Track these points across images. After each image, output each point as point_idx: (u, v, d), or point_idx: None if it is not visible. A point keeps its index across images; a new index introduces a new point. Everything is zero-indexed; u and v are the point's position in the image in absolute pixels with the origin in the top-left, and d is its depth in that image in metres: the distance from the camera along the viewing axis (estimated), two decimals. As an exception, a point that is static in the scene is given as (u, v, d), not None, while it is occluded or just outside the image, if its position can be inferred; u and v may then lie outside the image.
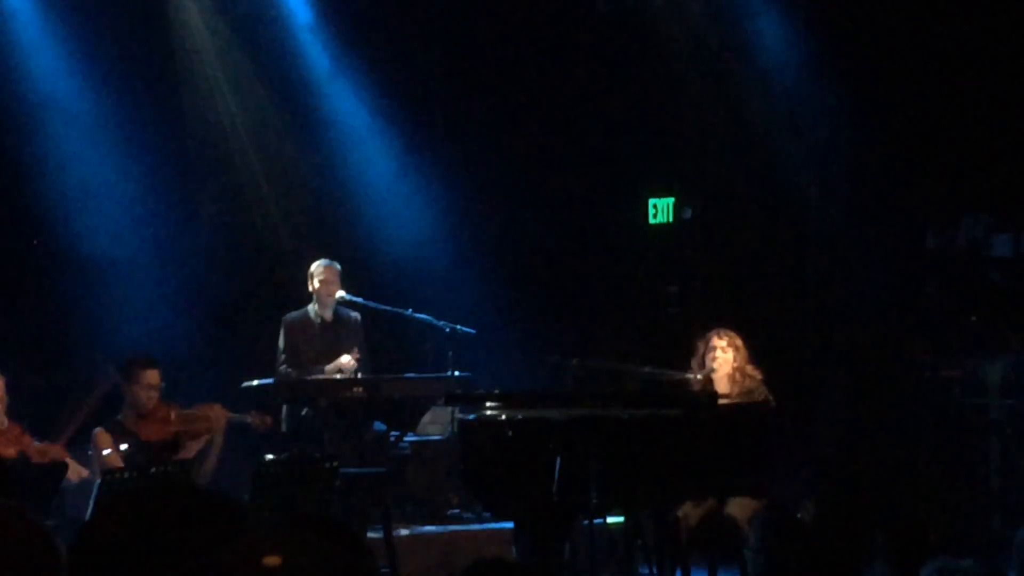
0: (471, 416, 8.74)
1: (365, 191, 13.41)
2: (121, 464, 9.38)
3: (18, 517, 2.92)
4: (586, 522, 9.14)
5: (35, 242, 12.35)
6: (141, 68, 12.68)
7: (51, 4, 12.33)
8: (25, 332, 12.12)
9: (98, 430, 9.66)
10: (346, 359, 11.26)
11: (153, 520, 2.66)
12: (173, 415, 9.70)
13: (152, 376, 9.77)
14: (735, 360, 10.04)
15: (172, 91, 12.92)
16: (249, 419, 9.98)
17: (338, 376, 11.14)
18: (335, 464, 9.03)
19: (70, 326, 12.26)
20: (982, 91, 12.05)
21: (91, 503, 8.06)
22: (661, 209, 13.48)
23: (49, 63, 12.32)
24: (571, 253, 13.93)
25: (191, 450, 9.65)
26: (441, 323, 11.62)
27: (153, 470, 8.64)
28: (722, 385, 10.00)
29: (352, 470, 9.95)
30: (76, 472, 9.28)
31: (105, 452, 9.51)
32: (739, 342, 10.10)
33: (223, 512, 2.70)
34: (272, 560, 2.38)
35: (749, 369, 10.04)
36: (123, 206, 12.49)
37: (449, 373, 11.24)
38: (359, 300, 11.58)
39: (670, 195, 13.49)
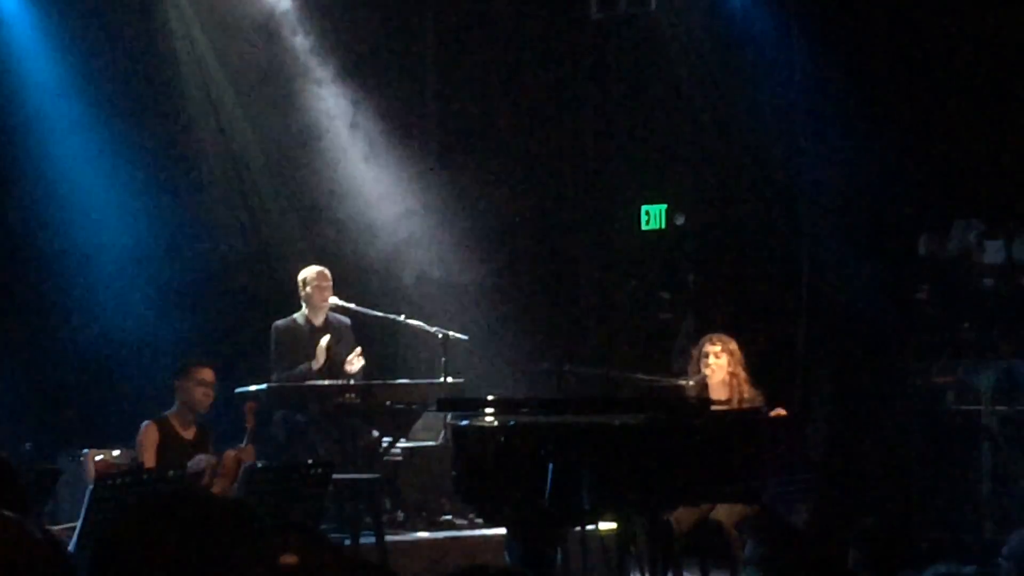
0: (464, 422, 8.74)
1: (358, 197, 13.40)
2: (154, 460, 9.45)
3: (23, 530, 2.93)
4: (578, 528, 9.14)
5: (41, 233, 12.36)
6: (140, 72, 12.68)
7: (47, 9, 12.33)
8: (21, 335, 12.12)
9: (147, 423, 9.74)
10: (324, 341, 11.22)
11: (176, 529, 2.67)
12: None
13: (206, 373, 9.86)
14: (729, 365, 10.05)
15: (170, 94, 12.92)
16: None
17: (330, 383, 11.11)
18: (327, 470, 9.03)
19: (64, 328, 12.25)
20: (974, 97, 12.07)
21: (83, 509, 8.05)
22: (653, 215, 13.48)
23: (46, 68, 12.32)
24: (563, 259, 13.94)
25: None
26: (434, 329, 11.62)
27: (146, 476, 8.64)
28: (716, 391, 10.01)
29: (344, 476, 9.95)
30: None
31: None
32: (733, 347, 10.12)
33: (239, 518, 2.72)
34: (289, 559, 2.39)
35: (743, 375, 10.05)
36: (119, 210, 12.49)
37: (441, 379, 11.24)
38: (352, 306, 11.58)
39: (662, 201, 13.49)
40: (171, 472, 8.84)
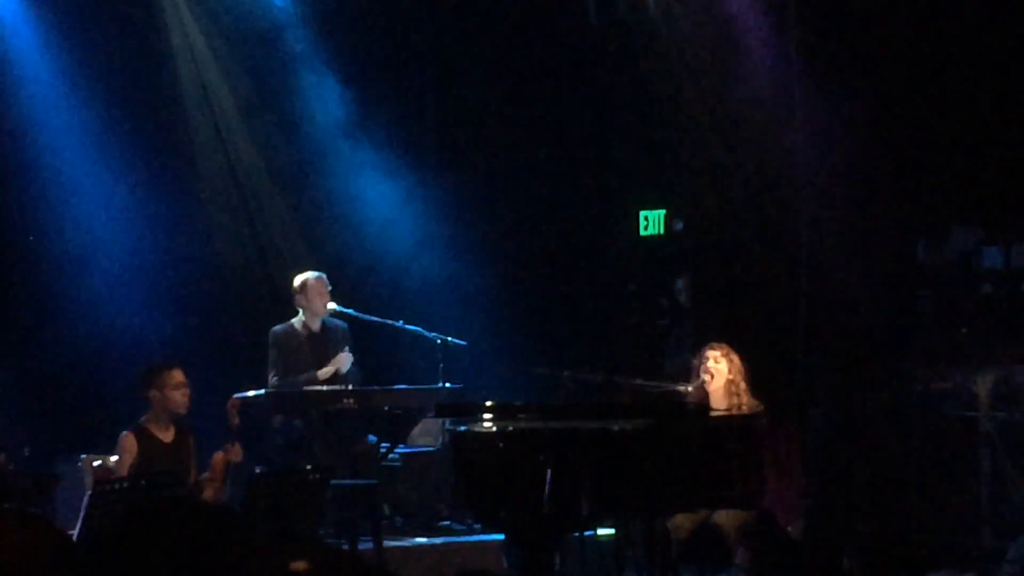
0: (462, 428, 8.74)
1: (356, 202, 13.40)
2: (135, 467, 9.43)
3: (46, 528, 2.95)
4: (576, 534, 9.14)
5: (30, 238, 12.34)
6: (139, 75, 12.69)
7: (48, 14, 12.33)
8: (20, 340, 12.12)
9: (125, 433, 9.70)
10: (345, 363, 11.28)
11: (166, 534, 2.68)
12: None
13: (179, 375, 9.81)
14: (729, 372, 10.05)
15: (169, 97, 12.92)
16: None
17: (328, 389, 11.11)
18: (326, 475, 9.02)
19: (62, 334, 12.25)
20: (973, 102, 12.07)
21: (82, 514, 8.05)
22: (652, 221, 13.47)
23: (46, 71, 12.32)
24: (562, 264, 13.93)
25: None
26: (432, 335, 11.62)
27: (143, 482, 8.63)
28: (716, 397, 10.02)
29: (343, 481, 9.94)
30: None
31: (133, 452, 9.56)
32: (733, 355, 10.12)
33: (231, 526, 2.72)
34: (299, 565, 2.40)
35: (743, 383, 10.05)
36: (118, 215, 12.49)
37: (440, 385, 11.24)
38: (350, 311, 11.59)
39: (661, 207, 13.49)
40: (170, 477, 8.84)
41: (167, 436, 9.77)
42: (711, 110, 13.19)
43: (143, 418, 9.77)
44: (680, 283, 12.87)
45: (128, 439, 9.65)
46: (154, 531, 2.71)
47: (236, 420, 9.82)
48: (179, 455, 9.70)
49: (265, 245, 13.25)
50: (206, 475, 9.67)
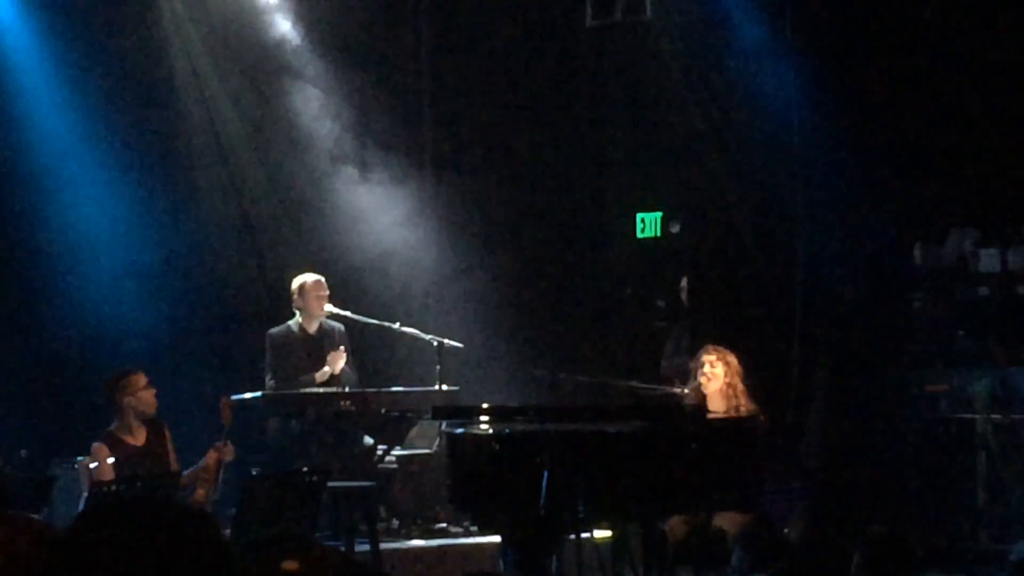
0: (459, 430, 8.74)
1: (353, 204, 13.39)
2: (112, 475, 9.40)
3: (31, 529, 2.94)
4: (573, 536, 9.14)
5: (41, 235, 12.35)
6: (138, 77, 12.68)
7: (45, 16, 12.32)
8: (16, 342, 12.11)
9: (96, 444, 9.69)
10: (340, 364, 11.27)
11: (125, 534, 2.67)
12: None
13: (143, 377, 9.82)
14: (726, 376, 10.05)
15: (165, 100, 12.91)
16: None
17: (325, 391, 11.12)
18: (322, 477, 9.02)
19: (59, 336, 12.24)
20: (970, 106, 12.08)
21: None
22: (649, 223, 13.47)
23: (42, 72, 12.32)
24: (559, 267, 13.93)
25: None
26: (429, 337, 11.62)
27: (140, 484, 8.63)
28: (713, 400, 10.02)
29: (339, 483, 9.94)
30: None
31: (110, 460, 9.54)
32: (730, 358, 10.12)
33: (193, 524, 2.72)
34: (290, 565, 2.40)
35: (740, 385, 10.05)
36: (114, 219, 12.48)
37: (436, 387, 11.24)
38: (347, 313, 11.59)
39: (658, 209, 13.48)
40: (171, 477, 8.85)
41: (138, 439, 9.76)
42: (707, 113, 13.20)
43: (112, 426, 9.77)
44: (684, 281, 12.87)
45: (102, 450, 9.64)
46: (118, 532, 2.70)
47: (229, 420, 9.83)
48: (153, 454, 9.69)
49: (262, 247, 13.24)
50: (195, 469, 9.69)
